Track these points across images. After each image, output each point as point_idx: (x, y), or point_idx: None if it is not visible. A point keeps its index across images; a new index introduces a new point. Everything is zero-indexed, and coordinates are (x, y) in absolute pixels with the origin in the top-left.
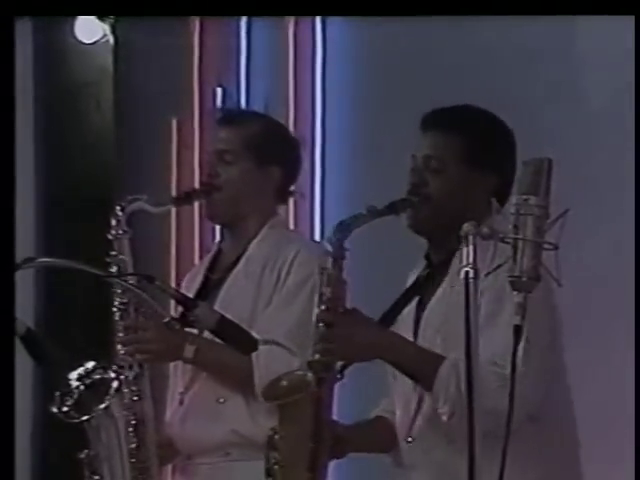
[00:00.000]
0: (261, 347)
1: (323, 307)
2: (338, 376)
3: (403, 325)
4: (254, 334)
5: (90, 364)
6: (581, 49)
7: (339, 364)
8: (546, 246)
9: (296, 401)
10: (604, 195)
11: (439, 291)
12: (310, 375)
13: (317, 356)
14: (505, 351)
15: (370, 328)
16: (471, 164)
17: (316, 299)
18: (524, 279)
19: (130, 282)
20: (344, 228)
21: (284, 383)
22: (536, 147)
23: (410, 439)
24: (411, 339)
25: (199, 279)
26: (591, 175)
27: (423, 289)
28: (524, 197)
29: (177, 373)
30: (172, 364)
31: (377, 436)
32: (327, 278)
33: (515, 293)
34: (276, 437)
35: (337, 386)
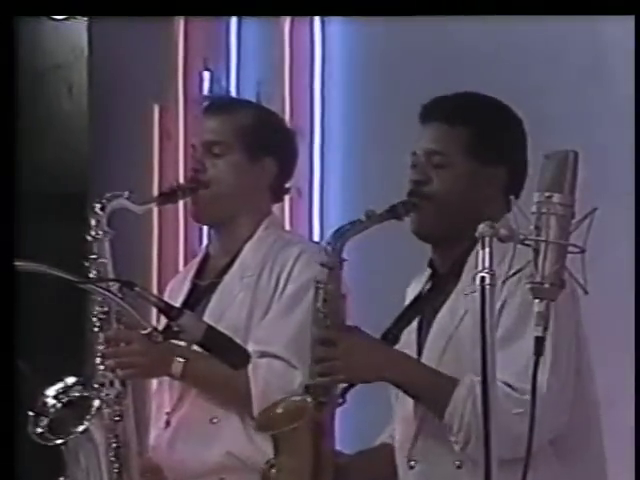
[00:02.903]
0: (259, 360)
1: (321, 326)
2: (339, 400)
3: (408, 342)
4: (250, 345)
5: (68, 380)
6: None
7: (340, 387)
8: (571, 249)
9: (294, 429)
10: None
11: (449, 301)
12: (309, 400)
13: (316, 378)
14: (524, 372)
15: (373, 346)
16: (479, 157)
17: (312, 316)
18: (546, 285)
19: (109, 289)
20: (340, 236)
21: (280, 410)
22: (559, 139)
23: (412, 463)
24: (415, 357)
25: (186, 286)
26: (619, 170)
27: (429, 301)
28: (547, 194)
29: (163, 391)
30: (157, 380)
31: (383, 465)
32: (323, 292)
33: (536, 301)
34: (272, 471)
35: (338, 412)
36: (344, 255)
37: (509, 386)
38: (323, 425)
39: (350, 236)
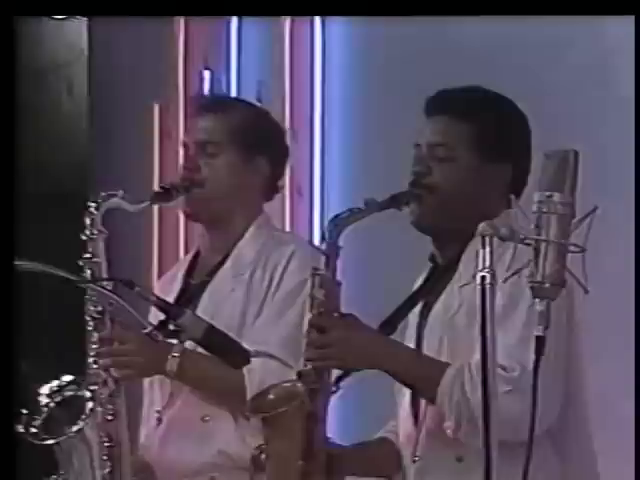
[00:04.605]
0: (253, 360)
1: (315, 311)
2: (333, 388)
3: (407, 333)
4: (245, 345)
5: (62, 379)
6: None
7: (334, 375)
8: (572, 248)
9: (284, 415)
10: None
11: (445, 293)
12: (300, 386)
13: (308, 364)
14: (512, 354)
15: (366, 333)
16: (483, 152)
17: (308, 302)
18: (547, 285)
19: (107, 288)
20: (338, 224)
21: (271, 396)
22: (561, 138)
23: (416, 458)
24: (414, 347)
25: (177, 284)
26: (621, 168)
27: (428, 293)
28: (547, 194)
29: (154, 388)
30: (148, 378)
31: (379, 459)
32: (320, 279)
33: (537, 300)
34: (262, 456)
35: (338, 404)
36: (343, 244)
37: (498, 366)
38: (315, 412)
39: (348, 224)
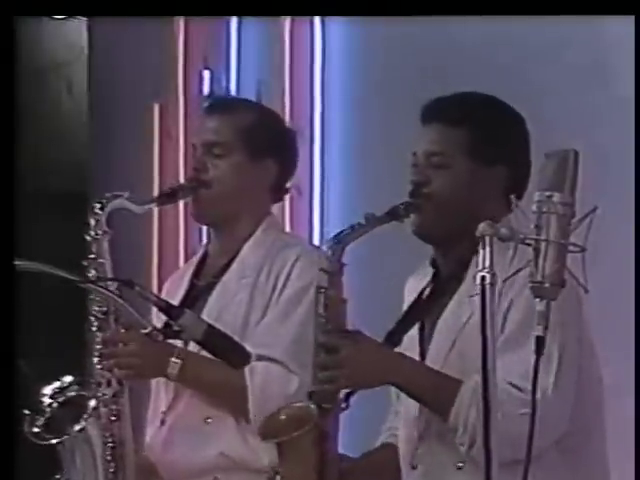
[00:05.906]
0: (257, 363)
1: (323, 331)
2: (343, 405)
3: (410, 345)
4: (248, 348)
5: (65, 379)
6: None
7: (343, 392)
8: (572, 248)
9: (298, 438)
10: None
11: (452, 303)
12: (313, 407)
13: (321, 386)
14: (528, 373)
15: (377, 351)
16: (479, 157)
17: (313, 321)
18: (547, 285)
19: (110, 288)
20: (340, 241)
21: (283, 417)
22: (561, 138)
23: (415, 463)
24: (418, 359)
25: (184, 285)
26: (621, 168)
27: (432, 303)
28: (547, 194)
29: (159, 390)
30: (154, 380)
31: (387, 466)
32: (324, 298)
33: (537, 300)
34: (277, 478)
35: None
36: (345, 259)
37: (515, 387)
38: (327, 431)
39: (350, 240)
